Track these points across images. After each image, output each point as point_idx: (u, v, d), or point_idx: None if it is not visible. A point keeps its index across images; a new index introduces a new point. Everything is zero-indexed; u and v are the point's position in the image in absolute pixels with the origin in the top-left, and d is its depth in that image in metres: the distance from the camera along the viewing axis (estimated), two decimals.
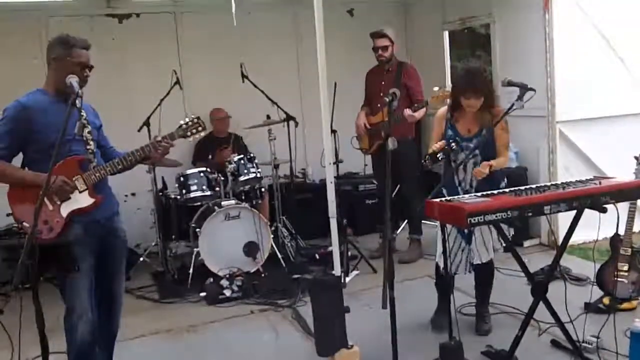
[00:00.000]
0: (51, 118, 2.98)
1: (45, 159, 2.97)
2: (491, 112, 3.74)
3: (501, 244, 3.83)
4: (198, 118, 3.36)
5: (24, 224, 3.05)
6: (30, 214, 2.95)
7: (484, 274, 3.99)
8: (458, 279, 4.01)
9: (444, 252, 3.58)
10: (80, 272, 3.04)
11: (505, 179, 3.89)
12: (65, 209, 3.05)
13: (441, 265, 3.84)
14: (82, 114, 3.10)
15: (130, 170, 3.33)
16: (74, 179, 3.05)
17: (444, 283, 3.93)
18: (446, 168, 3.80)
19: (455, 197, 3.38)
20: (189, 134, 3.32)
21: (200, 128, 3.36)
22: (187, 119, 3.35)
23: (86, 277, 3.07)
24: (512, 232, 3.80)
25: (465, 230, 3.79)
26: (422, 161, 3.70)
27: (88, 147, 3.13)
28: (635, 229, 4.17)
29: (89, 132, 3.14)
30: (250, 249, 5.31)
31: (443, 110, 3.91)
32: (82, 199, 3.08)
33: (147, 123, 5.46)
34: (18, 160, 3.12)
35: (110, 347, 3.42)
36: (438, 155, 3.58)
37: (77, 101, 2.85)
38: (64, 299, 3.09)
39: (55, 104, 3.04)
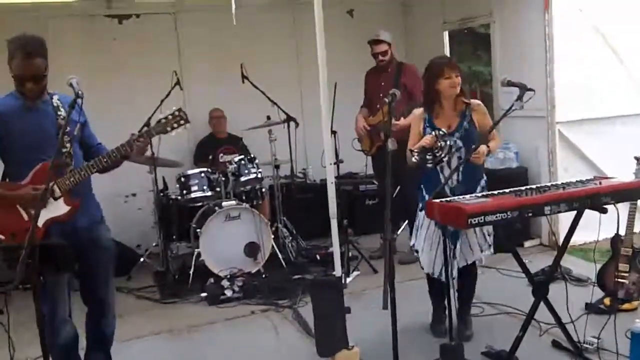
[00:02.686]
0: (24, 121, 2.91)
1: (22, 164, 2.93)
2: (463, 100, 3.71)
3: (489, 246, 3.79)
4: (179, 110, 3.06)
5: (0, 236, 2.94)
6: (4, 226, 2.90)
7: (467, 277, 3.90)
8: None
9: (445, 255, 3.52)
10: (60, 280, 2.99)
11: (485, 176, 3.82)
12: (41, 219, 2.86)
13: (435, 273, 3.79)
14: (59, 112, 2.98)
15: (118, 168, 3.14)
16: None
17: (438, 290, 3.88)
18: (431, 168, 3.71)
19: (455, 197, 3.38)
20: (168, 128, 3.03)
21: (182, 121, 3.04)
22: (167, 112, 3.06)
23: (64, 286, 3.04)
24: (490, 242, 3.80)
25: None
26: (409, 152, 3.55)
27: (64, 149, 2.94)
28: (636, 229, 4.16)
29: (66, 134, 2.94)
30: (251, 249, 5.31)
31: (419, 110, 3.87)
32: (57, 207, 2.94)
33: (147, 124, 5.43)
34: None
35: (105, 349, 3.36)
36: (428, 155, 3.47)
37: (77, 101, 2.81)
38: (45, 304, 2.93)
39: (26, 107, 2.94)
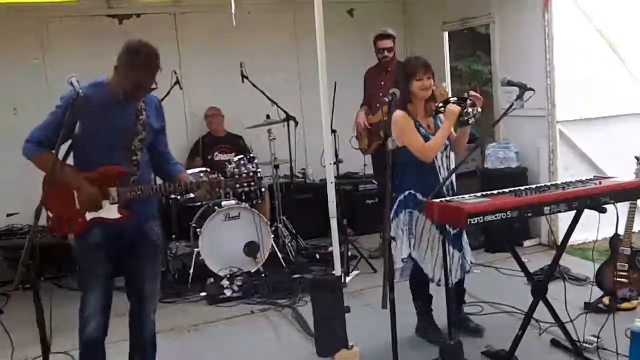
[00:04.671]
0: (107, 115, 2.89)
1: (90, 156, 2.93)
2: (434, 98, 3.70)
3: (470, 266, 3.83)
4: (255, 173, 3.19)
5: (48, 213, 2.97)
6: (56, 207, 2.93)
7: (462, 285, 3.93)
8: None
9: (444, 258, 3.46)
10: (94, 274, 2.99)
11: None
12: (90, 214, 2.95)
13: (435, 277, 3.66)
14: (141, 117, 2.97)
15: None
16: (110, 189, 2.93)
17: (427, 292, 3.86)
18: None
19: (455, 197, 3.38)
20: (237, 185, 3.14)
21: (253, 183, 3.15)
22: (242, 170, 3.20)
23: (100, 281, 3.01)
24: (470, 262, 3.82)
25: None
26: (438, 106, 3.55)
27: (134, 157, 2.98)
28: (635, 228, 4.17)
29: (139, 140, 2.98)
30: (251, 248, 5.31)
31: (399, 113, 3.63)
32: (110, 211, 2.96)
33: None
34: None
35: (143, 352, 3.26)
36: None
37: (79, 101, 2.79)
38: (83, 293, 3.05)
39: (114, 102, 2.93)
